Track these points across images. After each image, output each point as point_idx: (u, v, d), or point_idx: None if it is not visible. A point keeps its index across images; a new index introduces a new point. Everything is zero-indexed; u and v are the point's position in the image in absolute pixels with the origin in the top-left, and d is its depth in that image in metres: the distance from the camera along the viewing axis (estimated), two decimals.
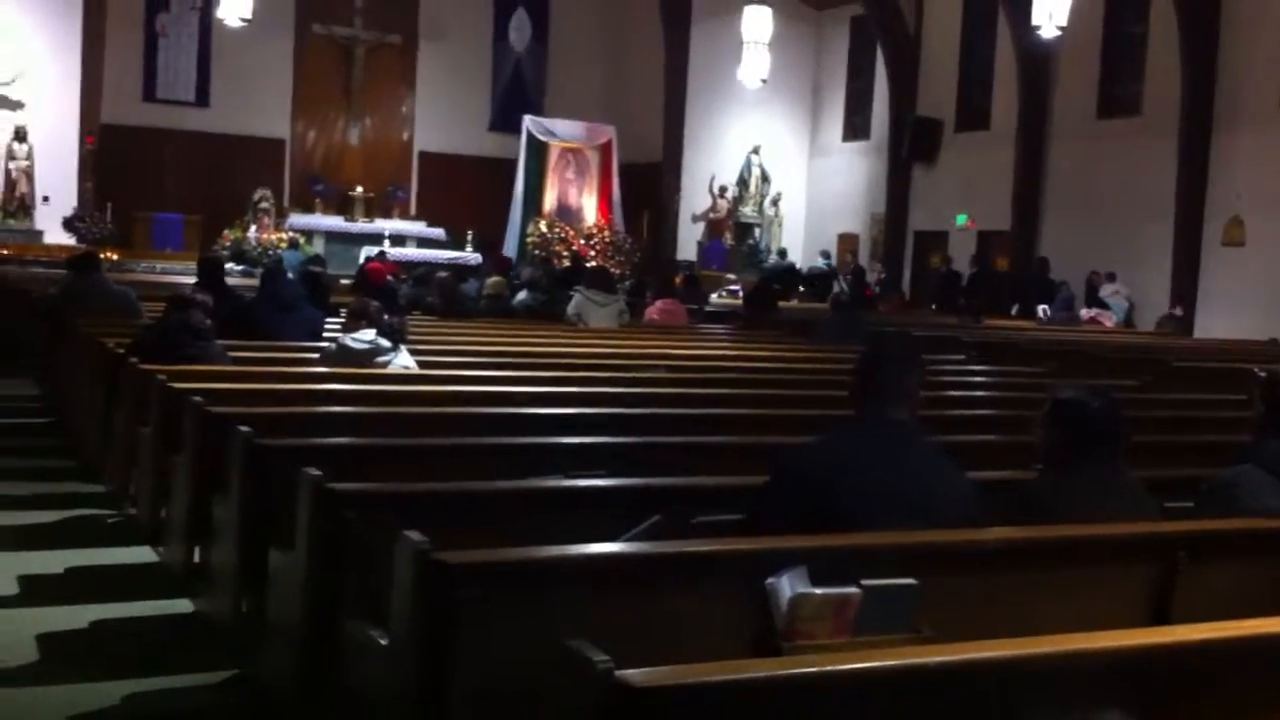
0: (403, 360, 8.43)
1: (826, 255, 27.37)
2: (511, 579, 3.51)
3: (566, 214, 27.49)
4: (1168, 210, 21.21)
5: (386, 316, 8.57)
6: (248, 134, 27.16)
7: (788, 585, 3.48)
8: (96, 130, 25.06)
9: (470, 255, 25.14)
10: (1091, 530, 4.16)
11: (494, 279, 15.63)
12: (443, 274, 15.33)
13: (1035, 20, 19.16)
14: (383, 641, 3.86)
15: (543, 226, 26.81)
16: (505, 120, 28.67)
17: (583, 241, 26.66)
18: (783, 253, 27.78)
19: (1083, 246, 22.57)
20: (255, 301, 10.65)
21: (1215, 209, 20.89)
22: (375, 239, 25.16)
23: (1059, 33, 19.32)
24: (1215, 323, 20.15)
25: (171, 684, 5.29)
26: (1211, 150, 20.94)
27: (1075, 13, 19.26)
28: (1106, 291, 21.61)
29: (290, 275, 12.66)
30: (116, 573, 6.90)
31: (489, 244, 23.98)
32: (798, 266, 27.16)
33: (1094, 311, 20.86)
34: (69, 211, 23.93)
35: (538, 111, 28.43)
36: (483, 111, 29.39)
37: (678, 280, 20.50)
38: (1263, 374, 5.26)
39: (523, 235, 26.83)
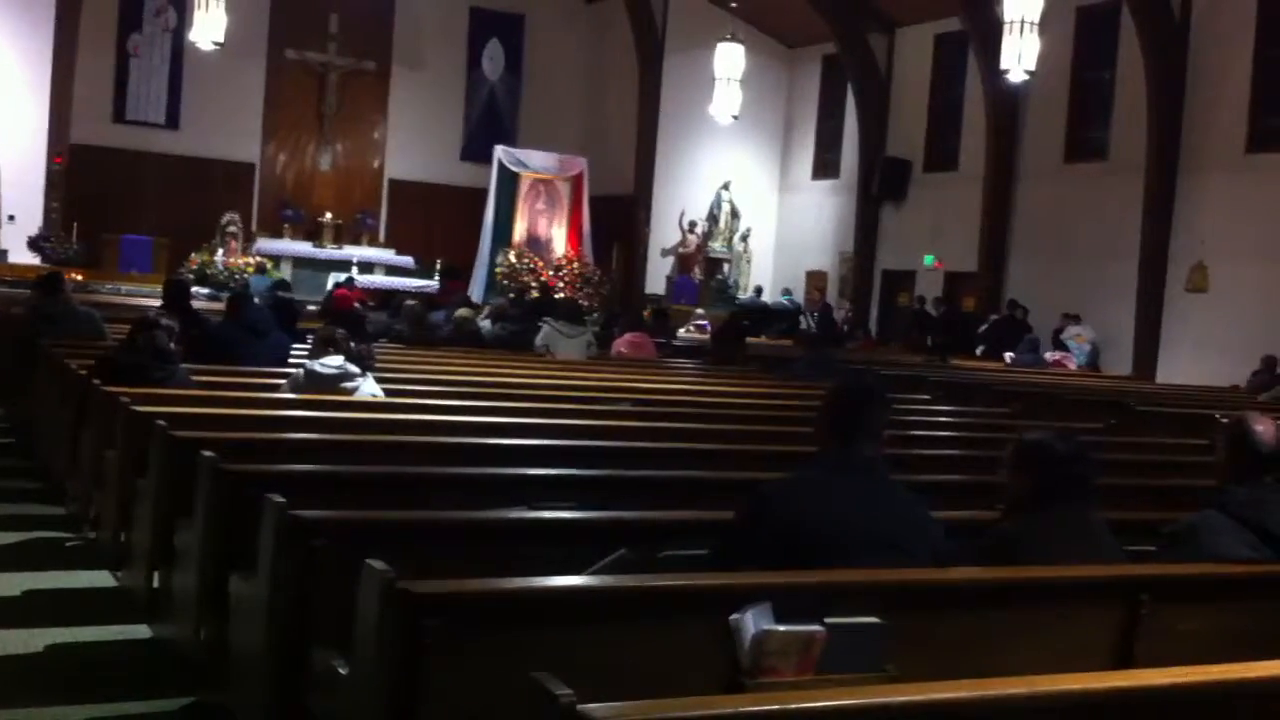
0: (370, 388, 8.40)
1: (788, 293, 27.41)
2: (476, 610, 3.50)
3: (536, 245, 27.48)
4: (1133, 255, 21.38)
5: (353, 344, 8.54)
6: (218, 157, 27.13)
7: (752, 622, 3.48)
8: (65, 150, 24.96)
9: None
10: (1056, 573, 4.18)
11: (464, 310, 15.61)
12: (411, 302, 15.30)
13: (1004, 64, 19.30)
14: (346, 671, 3.83)
15: (512, 257, 26.80)
16: (477, 149, 28.72)
17: (552, 273, 26.66)
18: (759, 290, 27.84)
19: (1049, 289, 22.75)
20: (223, 326, 10.60)
21: (1180, 255, 21.08)
22: (343, 265, 25.12)
23: (1027, 77, 19.49)
24: (1178, 368, 20.31)
25: (129, 710, 5.24)
26: (1176, 196, 21.15)
27: (1044, 58, 19.43)
28: (1067, 334, 21.71)
29: (256, 300, 12.60)
30: (76, 597, 6.83)
31: (448, 270, 23.54)
32: (769, 303, 27.22)
33: (1059, 354, 20.97)
34: (35, 231, 23.79)
35: (510, 142, 28.47)
36: (455, 140, 29.44)
37: (646, 314, 20.52)
38: (1225, 420, 5.29)
39: (492, 265, 26.82)
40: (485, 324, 15.19)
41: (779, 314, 26.00)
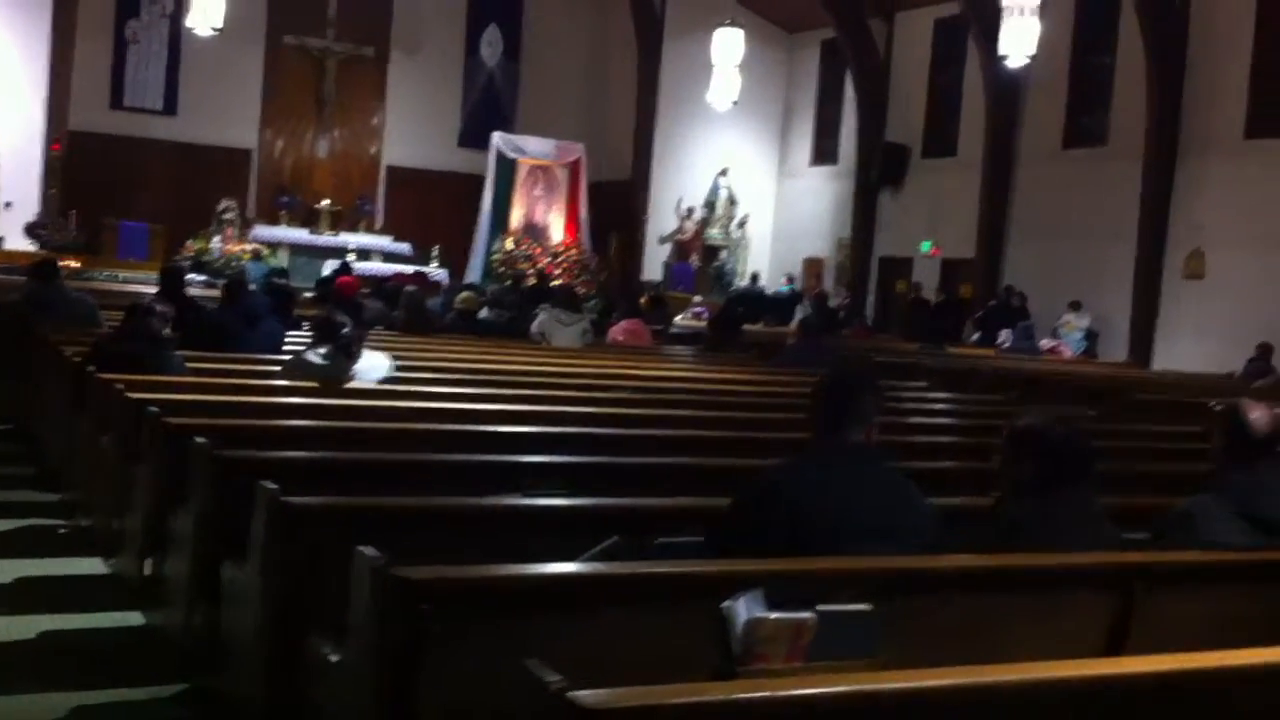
0: (370, 373, 8.38)
1: (791, 282, 27.38)
2: (469, 597, 3.50)
3: (534, 231, 27.47)
4: (1131, 241, 21.36)
5: (344, 330, 8.47)
6: (215, 144, 27.04)
7: (743, 609, 3.46)
8: (63, 136, 24.91)
9: (436, 271, 25.07)
10: (1049, 559, 4.17)
11: (464, 295, 15.58)
12: (410, 288, 15.27)
13: (1003, 49, 19.26)
14: (338, 658, 3.83)
15: (509, 244, 26.78)
16: (475, 136, 28.65)
17: (549, 260, 26.64)
18: (755, 277, 27.77)
19: (1047, 275, 22.70)
20: (219, 313, 10.59)
21: (1177, 241, 21.05)
22: (340, 252, 25.05)
23: (1027, 62, 19.46)
24: (1175, 355, 20.29)
25: (122, 697, 5.23)
26: (1175, 182, 21.12)
27: (1043, 43, 19.39)
28: (1061, 320, 21.64)
29: (253, 287, 12.59)
30: (69, 583, 6.83)
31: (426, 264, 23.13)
32: (766, 290, 27.17)
33: (1054, 342, 20.93)
34: (32, 218, 23.75)
35: (509, 128, 28.41)
36: (453, 127, 29.36)
37: (643, 301, 20.49)
38: (1219, 406, 5.28)
39: (489, 252, 26.80)
40: (481, 311, 15.16)
41: (775, 301, 25.96)
